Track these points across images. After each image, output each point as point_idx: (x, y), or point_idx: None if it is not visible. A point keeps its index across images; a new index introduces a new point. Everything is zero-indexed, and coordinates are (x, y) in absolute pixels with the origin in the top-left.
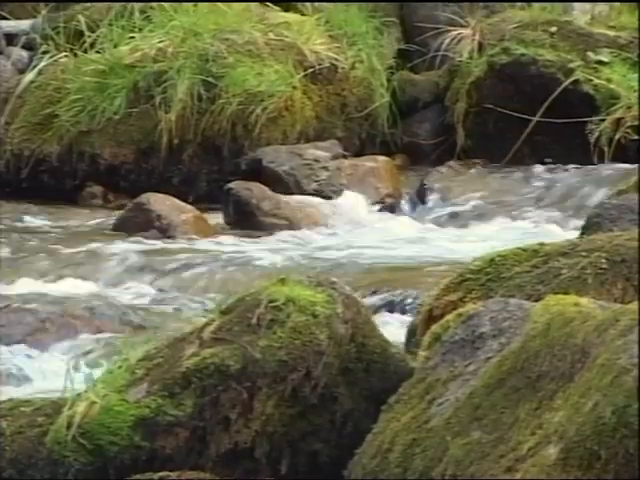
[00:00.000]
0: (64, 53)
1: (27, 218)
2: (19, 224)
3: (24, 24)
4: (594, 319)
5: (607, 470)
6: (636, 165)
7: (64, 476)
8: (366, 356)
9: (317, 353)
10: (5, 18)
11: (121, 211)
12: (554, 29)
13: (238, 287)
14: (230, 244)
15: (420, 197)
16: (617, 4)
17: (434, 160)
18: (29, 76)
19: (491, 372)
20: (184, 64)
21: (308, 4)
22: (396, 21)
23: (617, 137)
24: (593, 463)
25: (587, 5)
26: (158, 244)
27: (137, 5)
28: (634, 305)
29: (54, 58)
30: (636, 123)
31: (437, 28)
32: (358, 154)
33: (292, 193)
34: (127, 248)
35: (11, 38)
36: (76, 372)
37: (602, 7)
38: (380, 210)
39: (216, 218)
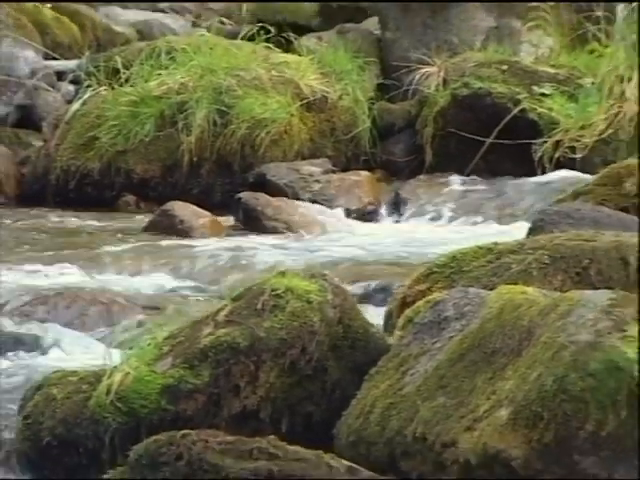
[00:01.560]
0: (104, 87)
1: (74, 222)
2: (67, 226)
3: (71, 64)
4: (538, 305)
5: (548, 428)
6: (574, 178)
7: (104, 433)
8: (351, 335)
9: (311, 333)
10: (55, 59)
11: (150, 216)
12: (505, 67)
13: (246, 278)
14: (239, 243)
15: (395, 204)
16: (557, 47)
17: (407, 174)
18: (75, 106)
19: (454, 348)
20: (202, 96)
21: (304, 48)
22: (376, 60)
23: (557, 155)
24: (537, 423)
25: (532, 47)
26: (181, 243)
27: (164, 47)
28: (571, 293)
29: (96, 91)
30: (572, 144)
31: (409, 66)
32: (345, 169)
33: (291, 199)
34: (155, 246)
35: (61, 75)
36: (113, 348)
37: (544, 50)
38: (363, 215)
39: (228, 222)
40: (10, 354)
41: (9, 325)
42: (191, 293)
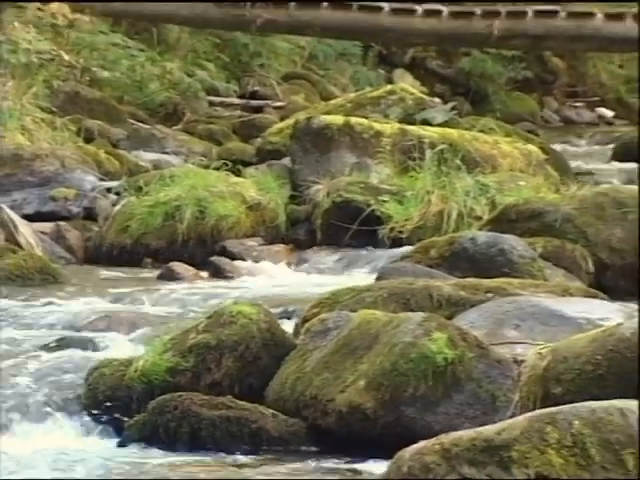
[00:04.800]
0: (133, 197)
1: (115, 274)
2: (112, 276)
3: (115, 183)
4: (381, 321)
5: (387, 391)
6: (402, 249)
7: (133, 394)
8: (275, 339)
9: (251, 337)
10: (105, 180)
11: (160, 271)
12: (362, 185)
13: (215, 305)
14: (212, 286)
15: (300, 263)
16: (392, 173)
17: (306, 246)
18: (117, 207)
19: (333, 346)
20: (189, 202)
21: (248, 174)
22: (289, 182)
23: (392, 236)
24: (380, 388)
25: (377, 174)
26: (177, 286)
27: (167, 174)
28: (400, 314)
29: (128, 199)
30: (401, 229)
31: (308, 185)
32: (271, 244)
33: (241, 261)
34: (162, 288)
35: (109, 190)
36: (138, 346)
37: (384, 175)
38: (282, 269)
39: (205, 274)
40: (78, 350)
41: (76, 334)
42: (182, 314)
